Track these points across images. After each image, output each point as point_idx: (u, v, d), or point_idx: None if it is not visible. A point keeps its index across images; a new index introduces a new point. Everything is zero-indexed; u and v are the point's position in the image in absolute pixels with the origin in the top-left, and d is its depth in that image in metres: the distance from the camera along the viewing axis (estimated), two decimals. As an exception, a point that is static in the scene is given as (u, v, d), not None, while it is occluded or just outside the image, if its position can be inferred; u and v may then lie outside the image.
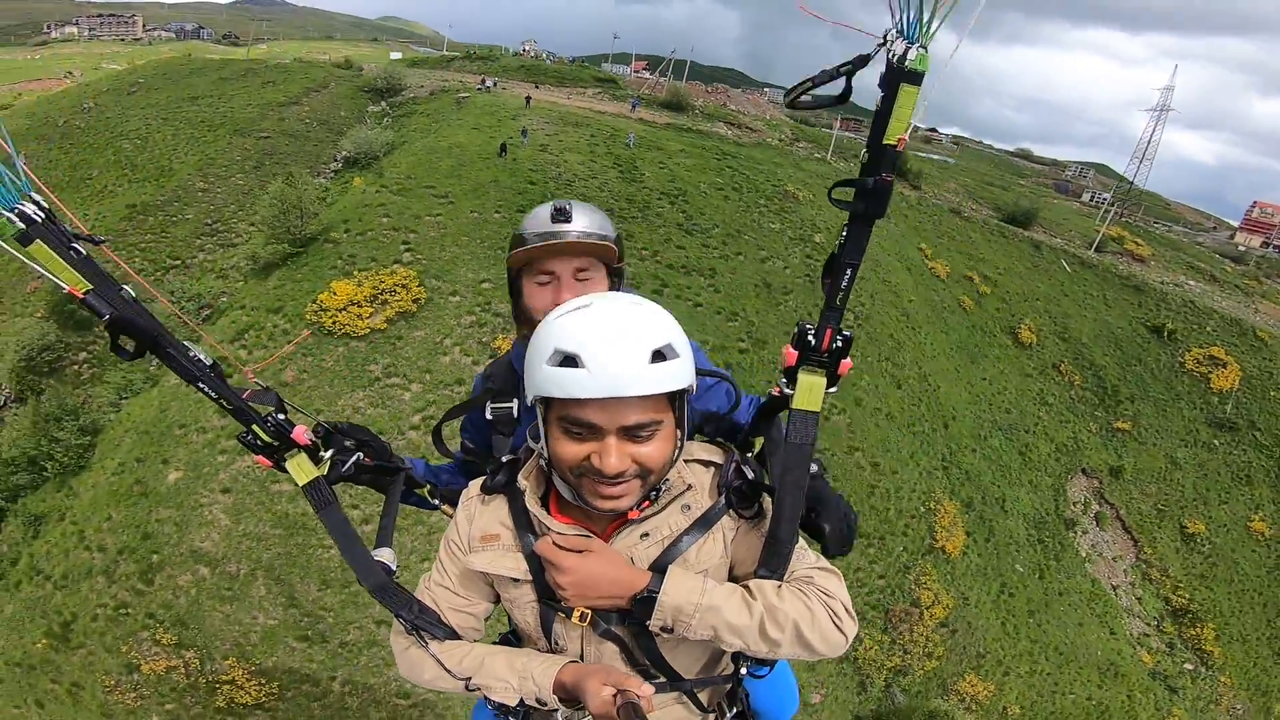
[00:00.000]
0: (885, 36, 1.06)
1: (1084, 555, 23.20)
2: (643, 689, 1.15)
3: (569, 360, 1.10)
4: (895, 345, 22.38)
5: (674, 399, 1.21)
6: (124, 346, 1.26)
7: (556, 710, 1.26)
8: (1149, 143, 57.02)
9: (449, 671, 1.31)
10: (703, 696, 1.39)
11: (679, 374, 1.15)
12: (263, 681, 11.15)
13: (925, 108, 1.09)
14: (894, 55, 1.05)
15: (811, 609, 1.22)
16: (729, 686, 1.43)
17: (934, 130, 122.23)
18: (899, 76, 1.04)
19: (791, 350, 1.29)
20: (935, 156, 76.26)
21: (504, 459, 1.38)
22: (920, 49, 1.03)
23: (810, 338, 1.27)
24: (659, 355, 1.12)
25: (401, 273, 15.56)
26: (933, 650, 16.08)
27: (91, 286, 1.22)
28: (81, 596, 11.73)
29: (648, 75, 58.00)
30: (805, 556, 1.31)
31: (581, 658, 1.33)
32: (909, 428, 19.71)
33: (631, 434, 1.16)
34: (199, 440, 13.17)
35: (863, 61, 1.08)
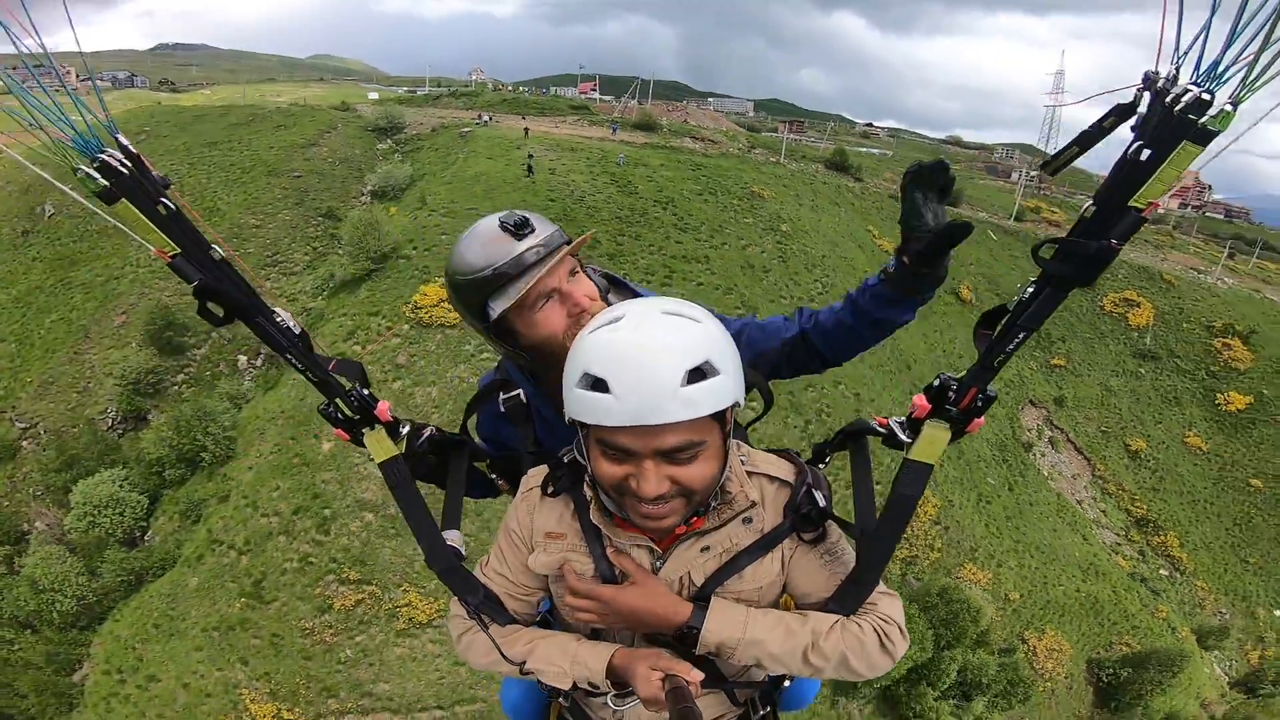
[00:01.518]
0: (1158, 79, 0.87)
1: (1045, 474, 28.11)
2: (691, 674, 1.20)
3: (598, 384, 1.06)
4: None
5: (719, 417, 1.14)
6: (213, 312, 1.18)
7: (606, 693, 1.29)
8: (1050, 122, 65.43)
9: (505, 656, 1.34)
10: (739, 694, 1.42)
11: (720, 392, 1.08)
12: (431, 600, 14.62)
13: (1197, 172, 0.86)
14: (1180, 102, 0.84)
15: (863, 639, 1.22)
16: (758, 690, 1.45)
17: (870, 125, 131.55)
18: (1184, 130, 0.84)
19: (925, 403, 1.20)
20: (875, 151, 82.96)
21: (565, 458, 1.33)
22: (1229, 106, 0.81)
23: (951, 394, 1.18)
24: (697, 374, 1.05)
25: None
26: (932, 543, 20.46)
27: (179, 250, 1.11)
28: (266, 556, 15.01)
29: (596, 95, 62.74)
30: (877, 585, 1.29)
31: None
32: (878, 367, 24.30)
33: (670, 456, 1.11)
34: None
35: (1126, 114, 0.92)
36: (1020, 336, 1.07)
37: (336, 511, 14.93)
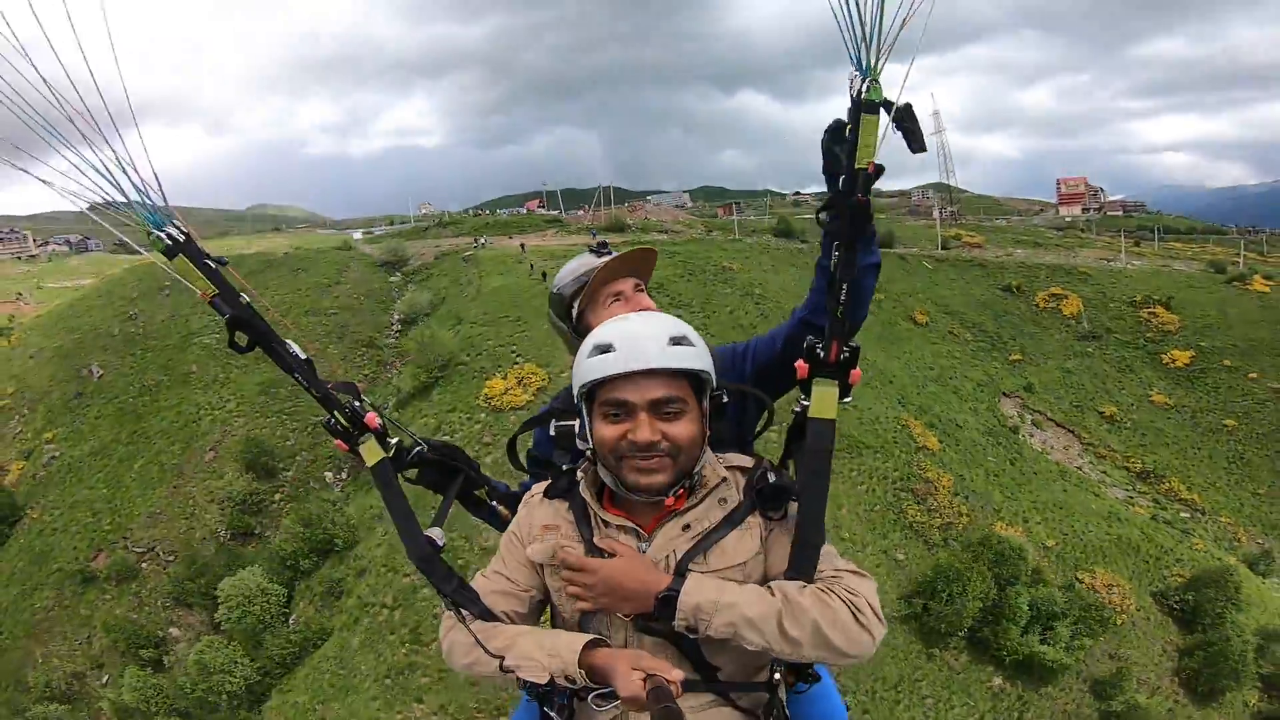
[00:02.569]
0: (849, 79, 1.26)
1: (1039, 449, 32.51)
2: (672, 674, 1.25)
3: (605, 348, 1.38)
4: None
5: (696, 389, 1.40)
6: (239, 343, 1.53)
7: (589, 694, 1.33)
8: (943, 155, 76.94)
9: (483, 647, 1.41)
10: (743, 703, 1.46)
11: (696, 356, 1.38)
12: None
13: (887, 133, 1.26)
14: (854, 90, 1.26)
15: (833, 607, 1.31)
16: (768, 697, 1.49)
17: (798, 193, 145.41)
18: (860, 108, 1.25)
19: (802, 364, 1.44)
20: (808, 215, 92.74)
21: (565, 467, 1.54)
22: (873, 82, 1.24)
23: (819, 351, 1.41)
24: (678, 341, 1.37)
25: (526, 367, 23.83)
26: (959, 510, 24.19)
27: (218, 291, 1.51)
28: (416, 608, 18.06)
29: (543, 211, 70.17)
30: (835, 559, 1.41)
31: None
32: (864, 385, 29.01)
33: (660, 410, 1.35)
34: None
35: (837, 127, 1.32)
36: (845, 288, 1.38)
37: (468, 561, 18.15)
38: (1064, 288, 42.26)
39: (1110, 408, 35.25)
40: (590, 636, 1.38)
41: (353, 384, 1.74)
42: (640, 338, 1.37)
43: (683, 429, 1.38)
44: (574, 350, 1.67)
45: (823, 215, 1.40)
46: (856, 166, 1.27)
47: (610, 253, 1.92)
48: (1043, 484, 28.23)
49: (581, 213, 56.51)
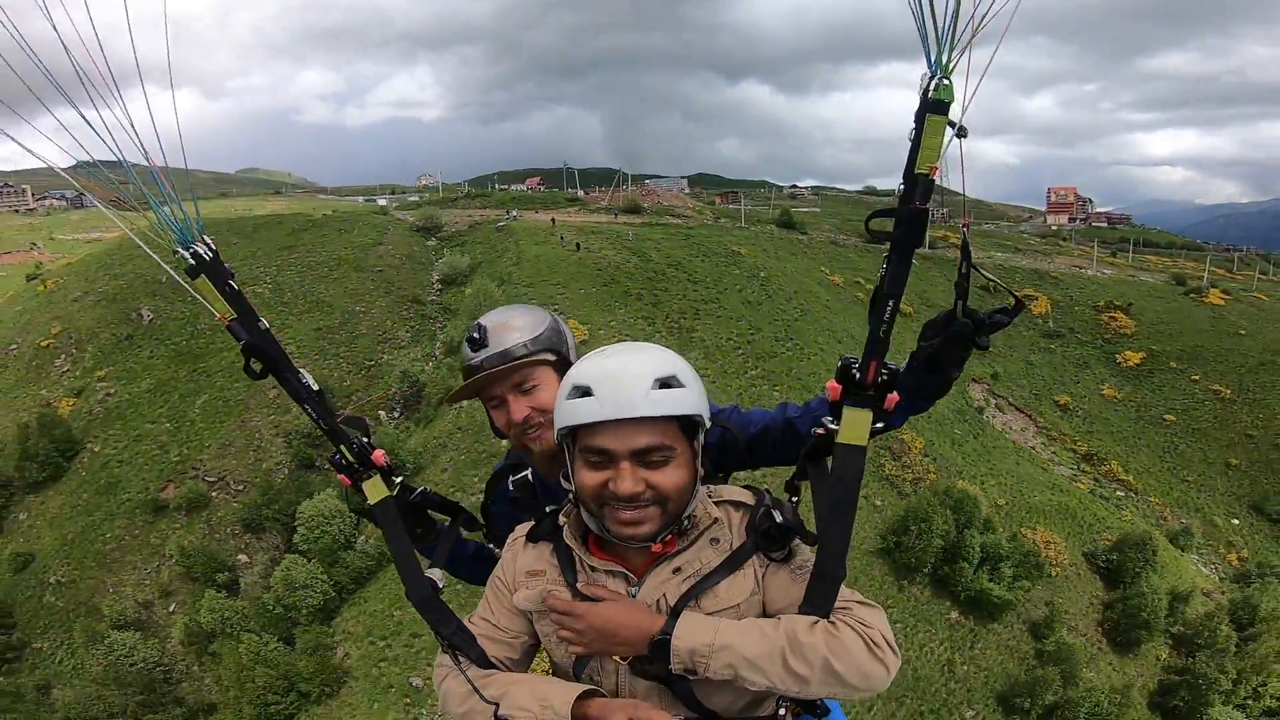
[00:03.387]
0: (921, 76, 1.18)
1: (1000, 429, 37.54)
2: None
3: (584, 391, 1.30)
4: (828, 324, 36.93)
5: (687, 431, 1.34)
6: (254, 368, 1.53)
7: None
8: (945, 164, 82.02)
9: (479, 693, 1.41)
10: None
11: (683, 400, 1.30)
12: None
13: (953, 138, 1.19)
14: (925, 90, 1.17)
15: (844, 640, 1.26)
16: None
17: (795, 186, 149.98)
18: (926, 108, 1.18)
19: (835, 384, 1.35)
20: (805, 209, 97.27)
21: (548, 509, 1.52)
22: (944, 81, 1.17)
23: (855, 371, 1.33)
24: (664, 383, 1.30)
25: (568, 323, 28.01)
26: (928, 468, 29.02)
27: (236, 316, 1.50)
28: None
29: (543, 188, 73.63)
30: (842, 590, 1.34)
31: (616, 696, 1.41)
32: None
33: (644, 459, 1.29)
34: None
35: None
36: (890, 304, 1.28)
37: (466, 600, 22.22)
38: (1036, 289, 47.34)
39: (1065, 398, 40.40)
40: (584, 687, 1.39)
41: (363, 419, 1.75)
42: (622, 381, 1.30)
43: (669, 477, 1.33)
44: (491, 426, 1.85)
45: (875, 224, 1.31)
46: (917, 170, 1.22)
47: (483, 345, 1.74)
48: (1000, 456, 33.24)
49: (598, 193, 60.31)
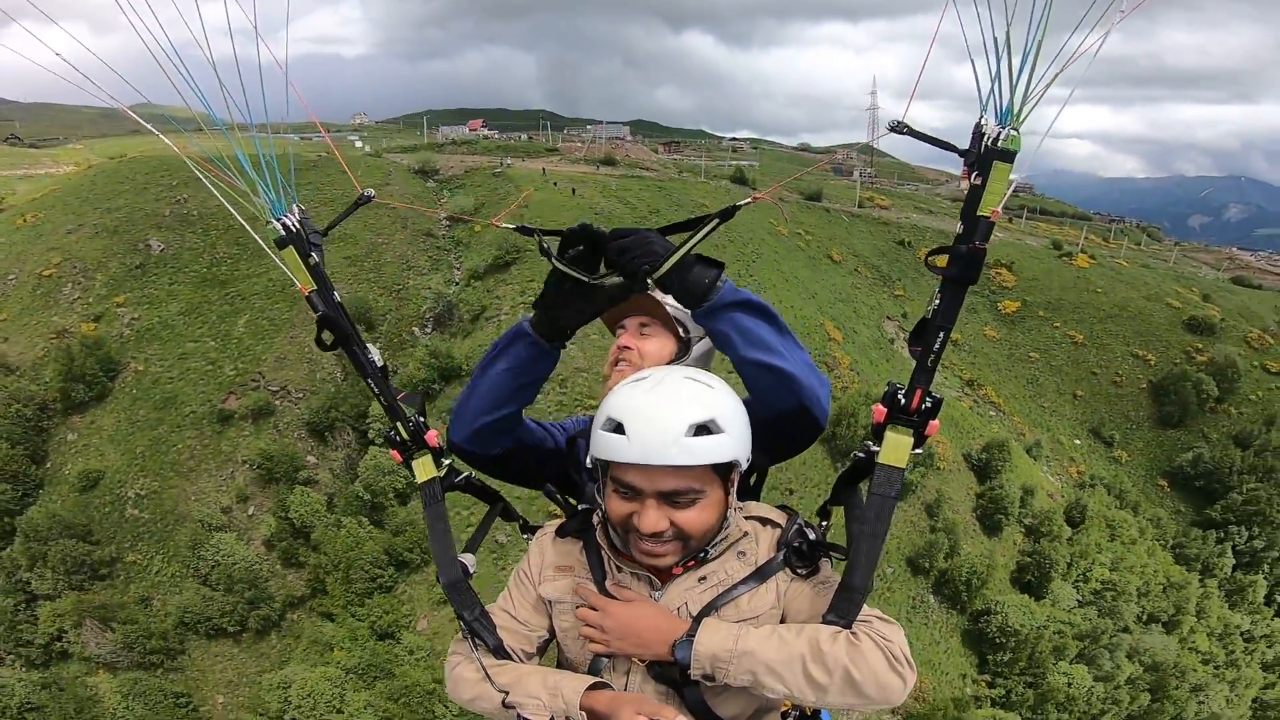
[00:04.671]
0: (981, 129, 1.26)
1: (905, 357, 48.14)
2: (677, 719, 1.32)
3: (617, 427, 1.37)
4: (778, 266, 46.26)
5: (720, 470, 1.43)
6: (324, 339, 1.64)
7: None
8: (872, 125, 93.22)
9: (490, 680, 1.50)
10: None
11: (719, 449, 1.37)
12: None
13: (1014, 182, 1.28)
14: (988, 138, 1.26)
15: (864, 651, 1.34)
16: None
17: (735, 139, 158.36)
18: (994, 156, 1.26)
19: (881, 408, 1.46)
20: (744, 162, 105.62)
21: (580, 508, 1.67)
22: (1012, 131, 1.24)
23: (900, 398, 1.43)
24: (702, 429, 1.35)
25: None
26: (853, 379, 38.82)
27: (316, 288, 1.61)
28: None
29: (488, 133, 78.54)
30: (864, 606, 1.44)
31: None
32: (796, 297, 43.28)
33: (670, 499, 1.39)
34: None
35: (729, 214, 1.56)
36: (941, 336, 1.38)
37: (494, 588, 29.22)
38: (940, 245, 58.70)
39: (957, 335, 51.88)
40: (594, 679, 1.48)
41: (419, 396, 1.83)
42: (656, 425, 1.36)
43: (694, 517, 1.42)
44: None
45: (935, 260, 1.43)
46: (979, 213, 1.32)
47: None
48: (904, 377, 43.73)
49: (576, 145, 66.71)
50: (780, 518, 1.63)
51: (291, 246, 1.60)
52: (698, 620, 1.48)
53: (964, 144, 1.36)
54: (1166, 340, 51.54)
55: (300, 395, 33.36)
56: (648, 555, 1.47)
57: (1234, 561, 41.75)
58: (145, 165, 45.43)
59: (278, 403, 33.32)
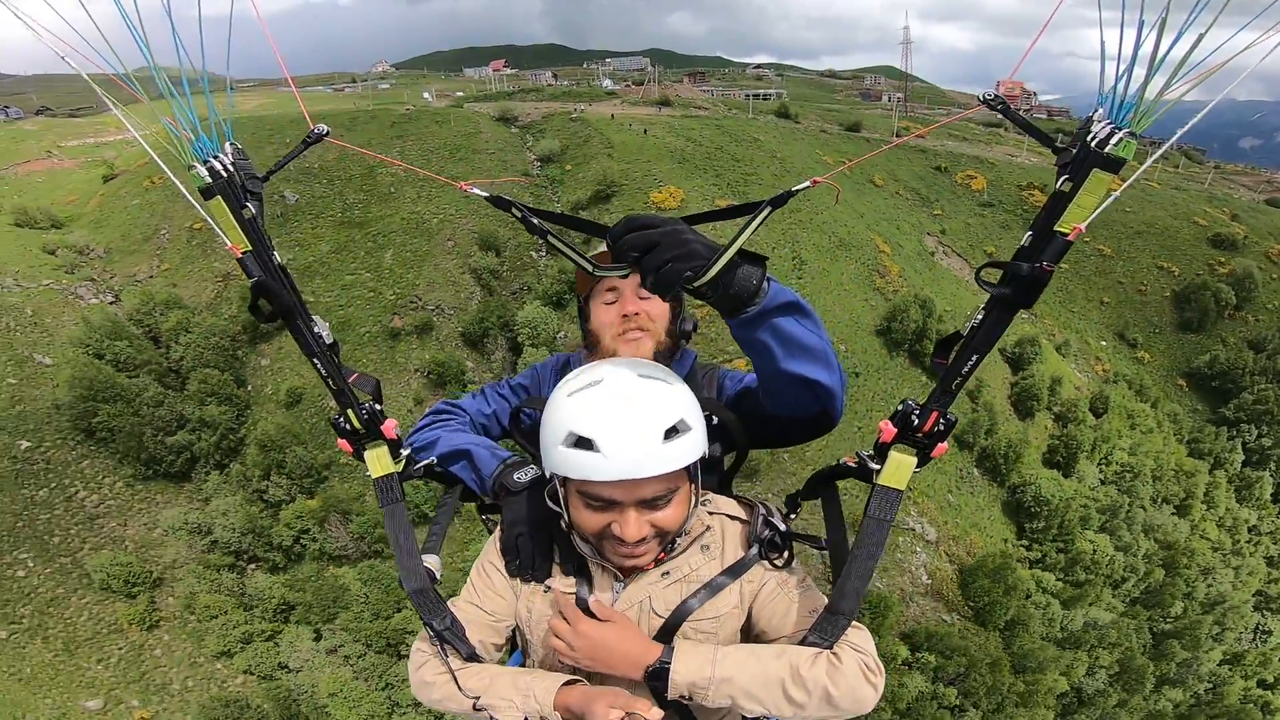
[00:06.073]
0: (1093, 116, 1.11)
1: (946, 267, 56.24)
2: (650, 713, 1.37)
3: (584, 443, 1.35)
4: (825, 191, 54.21)
5: (689, 467, 1.47)
6: (261, 309, 1.53)
7: None
8: (907, 54, 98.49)
9: (461, 688, 1.53)
10: None
11: (692, 447, 1.42)
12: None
13: (1111, 196, 1.10)
14: (1094, 137, 1.09)
15: (844, 671, 1.40)
16: None
17: (759, 67, 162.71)
18: (1095, 161, 1.09)
19: (890, 427, 1.41)
20: (772, 92, 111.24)
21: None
22: (1128, 135, 1.06)
23: (914, 418, 1.38)
24: (673, 431, 1.37)
25: (667, 189, 43.72)
26: (901, 285, 47.21)
27: (250, 249, 1.46)
28: None
29: (511, 70, 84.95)
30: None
31: None
32: (847, 216, 51.35)
33: (649, 504, 1.44)
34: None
35: (781, 200, 1.41)
36: (973, 359, 1.29)
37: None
38: (976, 171, 66.01)
39: (992, 248, 59.78)
40: (567, 676, 1.52)
41: (375, 379, 1.74)
42: (631, 439, 1.35)
43: (671, 514, 1.48)
44: (583, 333, 2.11)
45: (987, 275, 1.29)
46: (1057, 227, 1.17)
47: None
48: (946, 284, 52.34)
49: (630, 88, 73.91)
50: (744, 513, 1.68)
51: (220, 196, 1.43)
52: (669, 634, 1.55)
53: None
54: (1190, 254, 58.28)
55: (452, 312, 41.91)
56: (627, 559, 1.53)
57: (1243, 458, 46.88)
58: (248, 125, 53.29)
59: (435, 319, 40.73)
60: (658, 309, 2.04)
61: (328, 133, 1.60)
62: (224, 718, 24.24)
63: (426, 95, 66.50)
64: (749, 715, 1.46)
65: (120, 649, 27.06)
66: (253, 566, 30.74)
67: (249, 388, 38.91)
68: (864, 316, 42.79)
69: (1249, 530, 44.60)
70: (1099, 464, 41.81)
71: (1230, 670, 39.01)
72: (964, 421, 37.92)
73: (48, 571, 27.79)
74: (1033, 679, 30.40)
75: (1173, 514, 41.59)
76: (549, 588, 1.69)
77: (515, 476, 1.84)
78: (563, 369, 2.17)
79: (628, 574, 1.61)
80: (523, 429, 2.15)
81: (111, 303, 41.41)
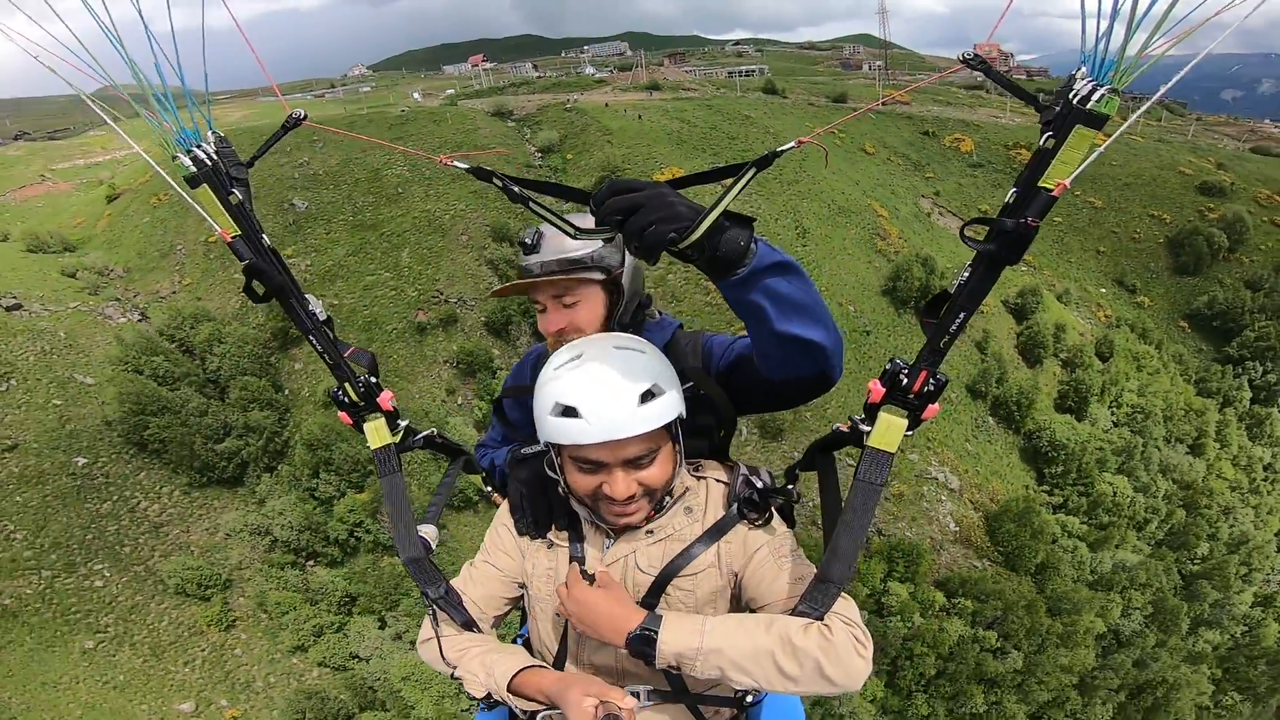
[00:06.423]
0: (1075, 73, 1.11)
1: (943, 227, 58.19)
2: (625, 701, 1.40)
3: (569, 411, 1.48)
4: (820, 161, 56.08)
5: (668, 426, 1.56)
6: (255, 290, 1.58)
7: (536, 713, 1.54)
8: (883, 20, 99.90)
9: (443, 656, 1.64)
10: (707, 713, 1.67)
11: (668, 408, 1.52)
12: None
13: (1095, 151, 1.10)
14: (1076, 94, 1.11)
15: (835, 642, 1.41)
16: (732, 712, 1.69)
17: (737, 44, 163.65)
18: (1078, 117, 1.11)
19: (879, 387, 1.42)
20: (754, 68, 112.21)
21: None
22: (1110, 92, 1.09)
23: (903, 378, 1.39)
24: (648, 395, 1.49)
25: (669, 170, 45.30)
26: (902, 245, 49.27)
27: (240, 232, 1.54)
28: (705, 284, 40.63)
29: (490, 65, 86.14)
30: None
31: (595, 664, 1.67)
32: (843, 184, 53.17)
33: (634, 463, 1.54)
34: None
35: (766, 162, 1.35)
36: (961, 317, 1.31)
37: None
38: (963, 134, 67.93)
39: (985, 206, 61.64)
40: (523, 664, 1.61)
41: (370, 354, 1.83)
42: (608, 402, 1.48)
43: (656, 472, 1.59)
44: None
45: (972, 231, 1.29)
46: (1041, 183, 1.19)
47: (534, 250, 1.91)
48: (943, 242, 54.29)
49: (615, 75, 75.26)
50: (725, 475, 1.74)
51: (206, 184, 1.51)
52: (657, 592, 1.64)
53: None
54: (1180, 202, 60.18)
55: (474, 303, 43.09)
56: (620, 517, 1.63)
57: (1251, 395, 47.78)
58: (244, 136, 54.46)
59: (459, 311, 41.60)
60: (585, 315, 1.98)
61: (305, 116, 1.70)
62: (308, 710, 25.40)
63: (415, 95, 67.43)
64: (738, 687, 1.50)
65: (203, 650, 28.37)
66: (312, 563, 32.22)
67: (286, 391, 40.09)
68: (869, 278, 44.56)
69: (1264, 469, 45.43)
70: (1110, 406, 42.85)
71: (1263, 613, 39.67)
72: (974, 371, 39.47)
73: (124, 580, 29.28)
74: (1070, 620, 31.45)
75: (1187, 453, 42.63)
76: (552, 543, 1.81)
77: (523, 450, 1.97)
78: (539, 360, 2.27)
79: (620, 533, 1.72)
80: (504, 415, 2.35)
81: (140, 320, 42.61)
